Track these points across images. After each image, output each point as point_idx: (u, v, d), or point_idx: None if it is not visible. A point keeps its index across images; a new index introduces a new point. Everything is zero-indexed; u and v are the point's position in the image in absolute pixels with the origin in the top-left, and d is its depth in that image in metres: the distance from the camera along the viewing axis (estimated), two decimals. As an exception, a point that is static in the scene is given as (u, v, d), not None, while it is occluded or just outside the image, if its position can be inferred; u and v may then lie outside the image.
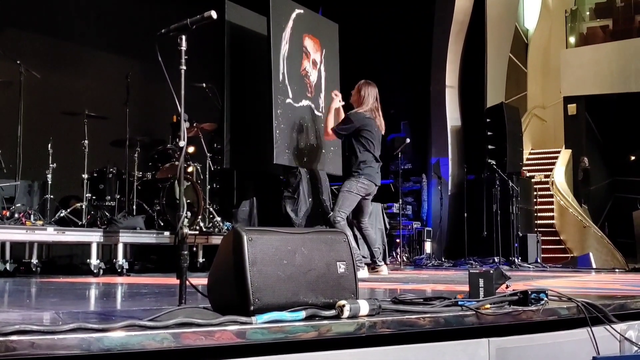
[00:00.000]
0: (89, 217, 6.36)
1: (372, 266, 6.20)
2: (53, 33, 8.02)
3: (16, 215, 5.65)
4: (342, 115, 6.42)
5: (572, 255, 11.65)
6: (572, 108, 14.95)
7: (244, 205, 7.46)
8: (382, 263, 6.32)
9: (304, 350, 1.99)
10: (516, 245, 9.63)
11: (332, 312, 2.12)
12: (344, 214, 5.87)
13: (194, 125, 7.11)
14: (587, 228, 12.41)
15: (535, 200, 11.78)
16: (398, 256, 9.54)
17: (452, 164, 11.47)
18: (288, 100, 7.13)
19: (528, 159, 14.05)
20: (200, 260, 7.00)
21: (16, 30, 7.64)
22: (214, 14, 2.76)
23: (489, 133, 10.61)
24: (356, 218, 6.24)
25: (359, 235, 6.40)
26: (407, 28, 11.47)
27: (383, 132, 6.24)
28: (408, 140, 9.27)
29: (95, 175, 6.75)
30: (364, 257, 6.28)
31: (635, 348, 2.74)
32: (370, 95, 6.10)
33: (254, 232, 2.15)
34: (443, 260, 9.74)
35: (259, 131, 7.20)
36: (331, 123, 6.32)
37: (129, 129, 6.93)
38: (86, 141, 6.45)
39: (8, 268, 5.62)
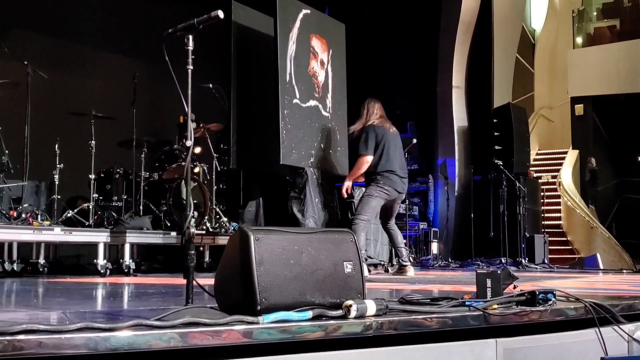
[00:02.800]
0: (96, 217, 6.37)
1: (398, 267, 6.22)
2: (60, 34, 8.04)
3: (23, 216, 5.66)
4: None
5: (579, 256, 11.61)
6: (579, 108, 14.90)
7: (250, 205, 7.47)
8: (408, 263, 6.24)
9: (311, 350, 1.99)
10: (523, 246, 9.58)
11: (339, 312, 2.12)
12: (364, 217, 5.97)
13: (201, 125, 7.11)
14: (595, 229, 12.36)
15: (542, 201, 11.72)
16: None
17: (459, 165, 11.44)
18: (295, 101, 7.12)
19: (535, 160, 13.99)
20: (207, 260, 7.02)
21: (23, 31, 7.66)
22: (220, 14, 2.76)
23: (495, 133, 10.56)
24: (382, 218, 6.36)
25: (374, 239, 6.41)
26: (414, 28, 11.45)
27: (392, 132, 6.23)
28: (414, 140, 9.25)
29: (102, 175, 6.77)
30: (369, 257, 6.28)
31: (644, 349, 2.72)
32: (374, 107, 6.24)
33: (261, 232, 2.14)
34: (450, 261, 9.70)
35: (266, 132, 7.19)
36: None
37: (135, 129, 6.94)
38: (93, 141, 6.46)
39: (15, 268, 5.64)
